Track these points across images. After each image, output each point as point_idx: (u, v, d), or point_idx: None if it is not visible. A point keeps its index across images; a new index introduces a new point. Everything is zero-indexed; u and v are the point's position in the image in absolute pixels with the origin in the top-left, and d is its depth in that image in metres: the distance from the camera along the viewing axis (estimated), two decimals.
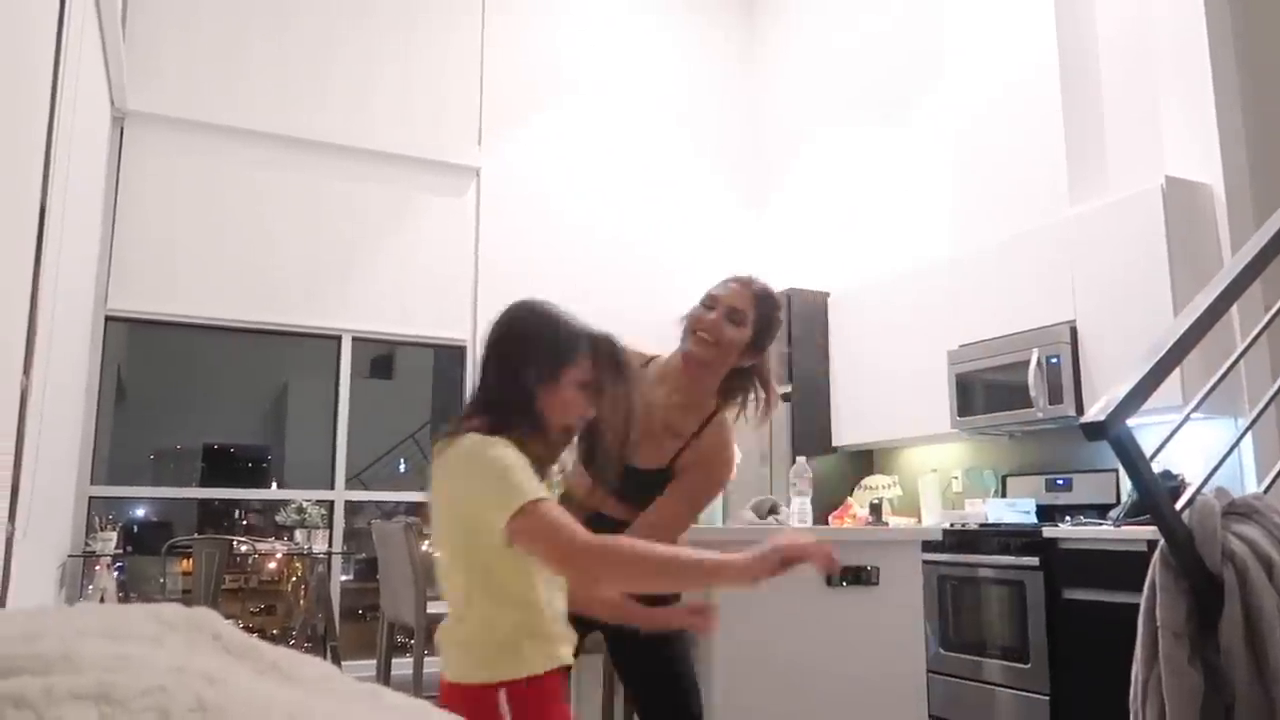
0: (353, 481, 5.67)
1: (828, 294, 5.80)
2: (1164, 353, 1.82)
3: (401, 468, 6.89)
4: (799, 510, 2.91)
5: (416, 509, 6.25)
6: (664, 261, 6.39)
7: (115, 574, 4.78)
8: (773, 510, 3.26)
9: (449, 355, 6.13)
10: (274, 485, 6.46)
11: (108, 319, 5.12)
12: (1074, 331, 4.27)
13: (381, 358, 6.77)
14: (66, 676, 0.66)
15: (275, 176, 5.57)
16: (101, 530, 4.75)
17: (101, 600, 4.50)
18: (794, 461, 3.32)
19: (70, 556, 4.69)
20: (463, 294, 5.96)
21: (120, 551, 4.84)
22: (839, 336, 5.75)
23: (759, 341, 2.17)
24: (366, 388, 6.02)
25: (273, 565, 6.21)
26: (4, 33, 2.35)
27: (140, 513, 5.76)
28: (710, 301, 2.17)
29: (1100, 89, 4.60)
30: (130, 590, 5.35)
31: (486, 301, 5.94)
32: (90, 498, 4.96)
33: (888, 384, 5.31)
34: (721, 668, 2.59)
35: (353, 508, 5.68)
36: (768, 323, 2.17)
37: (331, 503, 5.49)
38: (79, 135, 3.89)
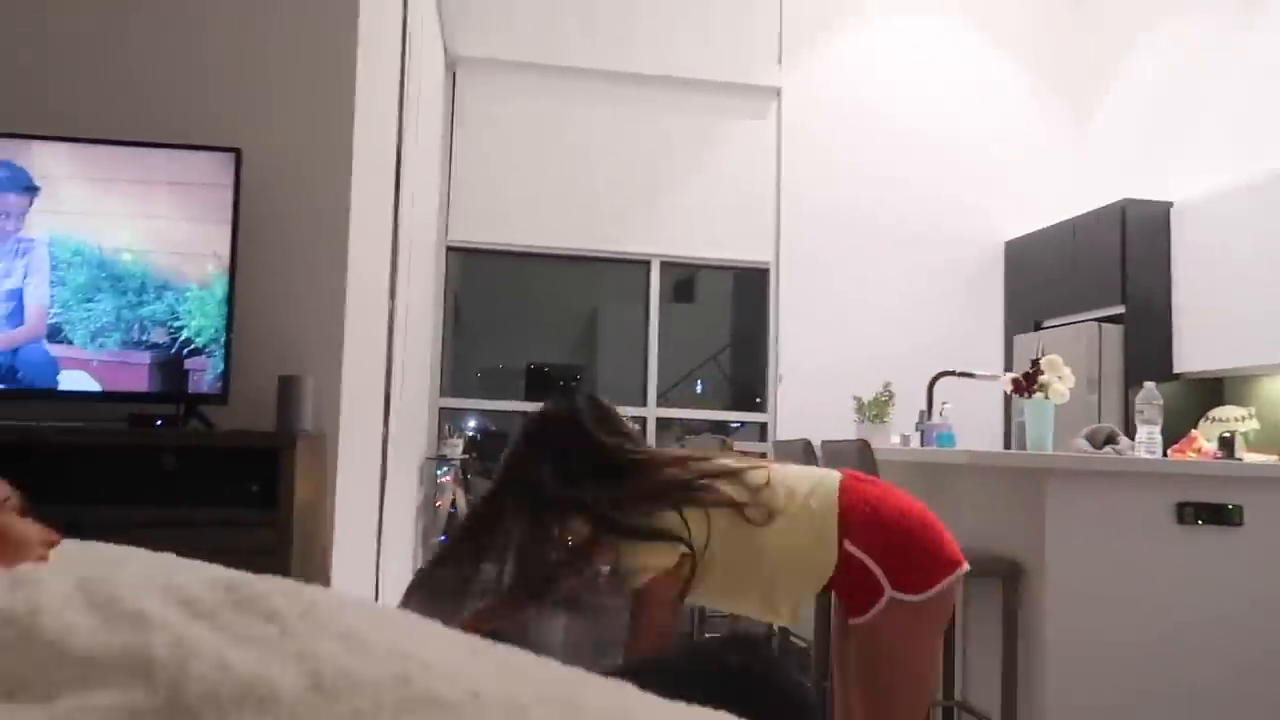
0: (659, 400, 5.95)
1: (1170, 204, 5.17)
2: None
3: (699, 388, 7.10)
4: (1148, 440, 2.66)
5: (719, 427, 6.47)
6: (976, 175, 6.00)
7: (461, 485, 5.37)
8: (1109, 439, 3.02)
9: (750, 277, 6.20)
10: None
11: (448, 249, 5.69)
12: None
13: (683, 282, 6.96)
14: None
15: (588, 110, 5.85)
16: (450, 437, 5.37)
17: (453, 503, 5.11)
18: (1126, 389, 3.04)
19: (427, 458, 5.36)
20: (765, 216, 5.97)
21: (465, 457, 5.44)
22: (1183, 252, 5.12)
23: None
24: (668, 311, 6.25)
25: None
26: None
27: (472, 424, 6.40)
28: None
29: None
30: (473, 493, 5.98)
31: (789, 222, 5.91)
32: (440, 408, 5.62)
33: (1243, 304, 4.68)
34: (1055, 635, 2.45)
35: (658, 424, 5.98)
36: None
37: (644, 419, 5.83)
38: (424, 84, 4.30)
